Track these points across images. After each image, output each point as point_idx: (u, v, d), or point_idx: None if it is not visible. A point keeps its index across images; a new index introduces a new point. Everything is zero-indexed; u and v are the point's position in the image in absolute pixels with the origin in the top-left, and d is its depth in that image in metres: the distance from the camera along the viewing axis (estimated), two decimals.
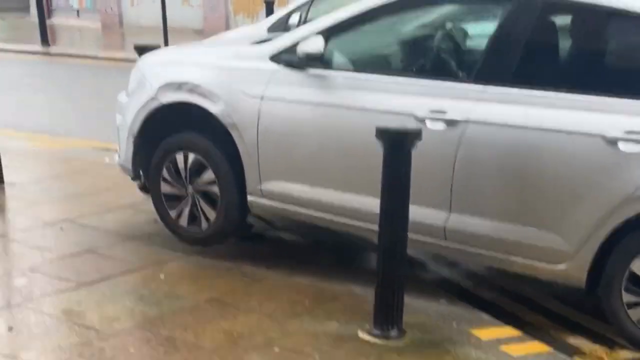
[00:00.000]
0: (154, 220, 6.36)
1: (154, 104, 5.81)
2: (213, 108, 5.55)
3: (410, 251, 5.14)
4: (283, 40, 5.46)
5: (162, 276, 5.59)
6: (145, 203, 6.76)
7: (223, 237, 5.90)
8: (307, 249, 6.37)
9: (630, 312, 4.57)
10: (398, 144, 4.43)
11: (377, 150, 4.62)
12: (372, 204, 4.85)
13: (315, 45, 5.08)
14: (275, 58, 5.43)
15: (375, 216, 4.68)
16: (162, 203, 5.99)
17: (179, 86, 5.68)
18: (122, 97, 6.28)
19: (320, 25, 5.30)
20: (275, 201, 5.55)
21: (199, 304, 5.15)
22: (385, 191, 4.47)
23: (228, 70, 5.57)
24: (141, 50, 7.61)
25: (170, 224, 6.03)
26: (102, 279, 5.49)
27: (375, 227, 4.70)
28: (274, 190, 5.51)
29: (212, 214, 5.81)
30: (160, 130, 5.94)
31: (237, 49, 5.74)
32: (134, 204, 7.04)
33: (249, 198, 5.65)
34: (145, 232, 6.39)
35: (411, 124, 4.77)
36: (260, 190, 5.53)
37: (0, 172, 7.60)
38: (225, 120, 5.51)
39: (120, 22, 25.39)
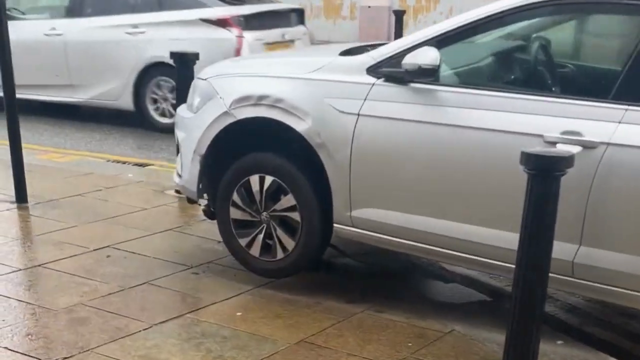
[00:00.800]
0: (213, 248, 5.95)
1: (227, 121, 5.19)
2: (298, 125, 4.93)
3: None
4: (383, 51, 4.87)
5: (239, 314, 4.94)
6: (190, 226, 6.40)
7: (300, 268, 5.33)
8: (384, 280, 5.79)
9: None
10: (548, 171, 3.84)
11: (500, 175, 4.32)
12: (497, 237, 4.49)
13: (430, 57, 4.51)
14: (374, 70, 4.85)
15: (496, 250, 4.41)
16: (230, 230, 5.36)
17: (257, 100, 5.07)
18: (183, 112, 5.65)
19: (428, 33, 4.73)
20: (368, 230, 4.96)
21: (292, 348, 4.58)
22: (528, 225, 3.88)
23: (317, 84, 4.96)
24: (179, 57, 6.98)
25: (239, 253, 5.41)
26: (173, 317, 4.84)
27: (495, 262, 4.46)
28: (367, 218, 4.93)
29: (290, 243, 5.19)
30: (232, 150, 5.30)
31: (326, 60, 5.10)
32: (177, 226, 6.53)
33: (336, 226, 5.04)
34: (201, 260, 5.83)
35: (539, 146, 4.18)
36: (350, 217, 4.93)
37: (24, 190, 6.85)
38: (312, 139, 4.90)
39: None
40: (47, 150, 9.15)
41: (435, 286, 5.76)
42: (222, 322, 4.83)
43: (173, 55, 7.35)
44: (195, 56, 7.38)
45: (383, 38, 20.76)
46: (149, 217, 6.75)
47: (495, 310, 5.29)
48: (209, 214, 5.61)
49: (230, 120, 5.18)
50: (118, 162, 8.80)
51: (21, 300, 5.04)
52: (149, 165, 8.78)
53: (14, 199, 6.96)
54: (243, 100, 5.14)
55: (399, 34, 15.89)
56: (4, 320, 4.76)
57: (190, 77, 7.18)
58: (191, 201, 5.88)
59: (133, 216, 6.74)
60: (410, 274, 5.90)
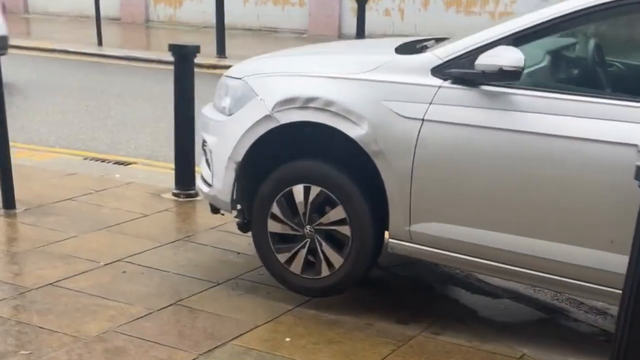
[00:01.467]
0: (234, 260, 5.50)
1: (269, 125, 4.71)
2: (351, 131, 4.47)
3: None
4: (449, 50, 4.41)
5: (287, 339, 4.50)
6: (200, 234, 5.97)
7: (347, 287, 4.87)
8: (426, 294, 5.42)
9: None
10: None
11: (589, 187, 4.05)
12: (587, 256, 4.18)
13: (514, 58, 4.09)
14: (440, 71, 4.40)
15: (584, 270, 4.16)
16: (267, 245, 4.87)
17: (304, 103, 4.57)
18: (212, 113, 5.12)
19: (504, 30, 4.29)
20: (429, 246, 4.52)
21: None
22: None
23: (374, 85, 4.50)
24: (179, 50, 6.45)
25: (277, 270, 4.93)
26: (218, 345, 4.39)
27: (586, 284, 4.19)
28: (429, 232, 4.51)
29: (337, 259, 4.74)
30: (272, 157, 4.82)
31: (383, 59, 4.62)
32: (187, 236, 6.04)
33: (391, 241, 4.57)
34: (225, 274, 5.35)
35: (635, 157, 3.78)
36: (409, 232, 4.48)
37: (11, 195, 6.24)
38: (368, 146, 4.44)
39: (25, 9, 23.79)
40: (21, 147, 8.40)
41: (484, 302, 5.35)
42: (273, 350, 4.40)
43: (172, 47, 6.76)
44: (196, 49, 6.80)
45: (334, 26, 20.34)
46: (153, 225, 6.22)
47: (558, 328, 4.97)
48: (243, 226, 5.06)
49: (272, 124, 4.68)
50: (97, 159, 8.15)
51: (42, 327, 4.45)
52: (132, 163, 8.16)
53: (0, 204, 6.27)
54: (288, 103, 4.65)
55: (361, 24, 15.47)
56: (31, 353, 4.14)
57: (190, 71, 6.63)
58: (215, 210, 5.37)
59: (136, 224, 6.18)
60: (451, 287, 5.52)
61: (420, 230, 4.51)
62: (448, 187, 4.40)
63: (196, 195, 6.82)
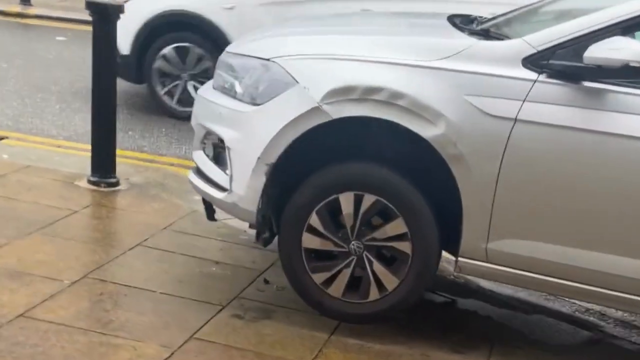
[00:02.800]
0: (220, 273, 4.64)
1: (316, 120, 3.89)
2: (425, 130, 3.74)
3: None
4: (545, 37, 3.77)
5: None
6: (158, 238, 5.04)
7: (397, 312, 4.13)
8: (473, 317, 4.81)
9: None
10: None
11: None
12: None
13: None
14: (535, 62, 3.75)
15: None
16: (300, 263, 4.02)
17: (364, 94, 3.77)
18: (218, 97, 4.22)
19: (615, 16, 3.66)
20: (507, 266, 3.86)
21: None
22: None
23: (455, 76, 3.82)
24: (96, 6, 5.40)
25: (311, 293, 4.16)
26: None
27: None
28: (509, 251, 3.89)
29: (391, 281, 4.01)
30: (310, 158, 4.00)
31: (461, 44, 3.90)
32: (144, 239, 5.07)
33: (461, 260, 3.89)
34: (225, 294, 4.48)
35: None
36: (486, 250, 3.82)
37: None
38: (444, 149, 3.75)
39: None
40: None
41: (539, 324, 4.80)
42: None
43: (90, 5, 5.63)
44: (119, 9, 5.71)
45: None
46: (92, 225, 5.28)
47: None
48: (267, 240, 4.17)
49: (321, 119, 3.85)
50: None
51: None
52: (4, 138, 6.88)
53: None
54: (342, 93, 3.84)
55: None
56: None
57: (113, 35, 5.56)
58: (211, 217, 4.42)
59: (70, 224, 5.14)
60: (480, 304, 4.96)
61: (500, 248, 3.85)
62: (540, 198, 3.78)
63: (117, 184, 5.75)
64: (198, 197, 5.48)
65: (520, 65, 3.79)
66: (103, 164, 5.84)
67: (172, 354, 3.82)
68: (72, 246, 4.81)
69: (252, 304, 4.39)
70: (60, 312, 4.05)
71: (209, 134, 4.26)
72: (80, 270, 4.50)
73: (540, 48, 3.80)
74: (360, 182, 3.96)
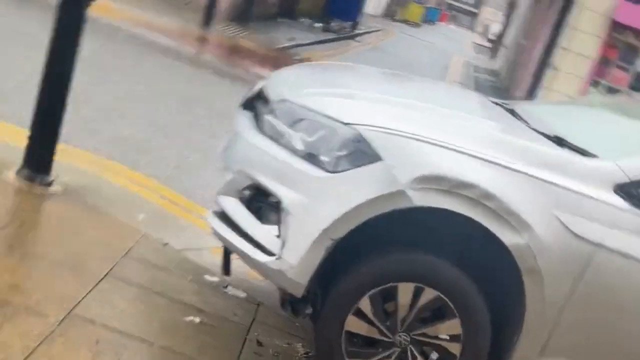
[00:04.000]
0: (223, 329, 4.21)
1: (398, 203, 3.63)
2: (508, 237, 3.59)
3: None
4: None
5: None
6: (130, 270, 4.52)
7: None
8: None
9: None
10: None
11: None
12: None
13: None
14: (627, 191, 3.70)
15: None
16: (338, 345, 3.76)
17: (453, 187, 3.55)
18: (281, 153, 3.80)
19: None
20: None
21: None
22: None
23: (546, 187, 3.69)
24: None
25: None
26: None
27: None
28: None
29: None
30: (370, 237, 3.74)
31: (553, 153, 3.78)
32: (113, 268, 4.48)
33: None
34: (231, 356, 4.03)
35: None
36: None
37: None
38: (524, 260, 3.62)
39: None
40: None
41: None
42: None
43: None
44: None
45: None
46: (43, 241, 4.58)
47: None
48: (307, 314, 3.83)
49: (402, 204, 3.58)
50: None
51: None
52: None
53: None
54: (432, 181, 3.55)
55: None
56: None
57: (79, 18, 4.97)
58: (227, 272, 4.09)
59: (21, 234, 4.47)
60: None
61: None
62: (605, 324, 3.73)
63: (51, 183, 5.11)
64: (142, 214, 5.00)
65: (612, 190, 3.68)
66: (41, 158, 5.13)
67: None
68: (36, 266, 4.14)
69: None
70: None
71: (255, 186, 3.80)
72: (60, 304, 3.89)
73: (634, 179, 3.71)
74: (425, 275, 3.71)
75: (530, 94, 15.21)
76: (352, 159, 3.64)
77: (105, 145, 6.67)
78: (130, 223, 5.08)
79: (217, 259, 4.86)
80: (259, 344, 4.22)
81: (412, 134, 3.65)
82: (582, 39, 15.21)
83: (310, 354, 4.31)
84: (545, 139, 3.97)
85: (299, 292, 3.69)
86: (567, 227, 3.60)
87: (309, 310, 3.78)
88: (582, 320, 3.69)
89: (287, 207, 3.65)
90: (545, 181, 3.64)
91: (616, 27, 15.90)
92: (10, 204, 4.78)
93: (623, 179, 3.69)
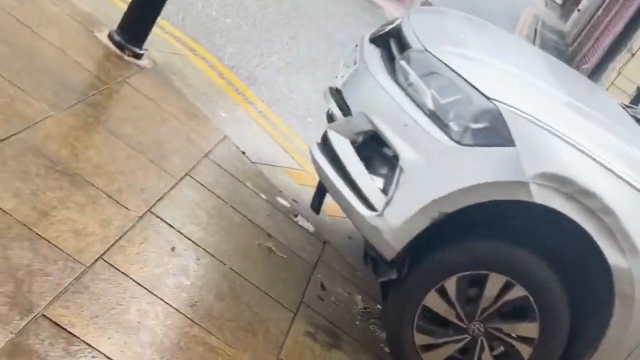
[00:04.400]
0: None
1: (518, 194, 3.45)
2: (613, 257, 3.49)
3: None
4: None
5: None
6: (239, 198, 4.35)
7: None
8: None
9: None
10: None
11: None
12: None
13: None
14: None
15: None
16: (411, 316, 3.77)
17: (575, 192, 3.42)
18: (411, 109, 3.62)
19: None
20: None
21: None
22: None
23: None
24: None
25: (404, 349, 3.81)
26: None
27: None
28: None
29: None
30: (469, 221, 3.59)
31: None
32: (231, 198, 4.33)
33: None
34: None
35: None
36: None
37: None
38: (620, 283, 3.51)
39: None
40: None
41: None
42: None
43: None
44: None
45: None
46: (134, 120, 4.37)
47: None
48: (393, 283, 3.70)
49: (522, 196, 3.42)
50: None
51: None
52: None
53: None
54: (556, 181, 3.39)
55: None
56: None
57: None
58: (317, 210, 3.93)
59: (110, 107, 4.39)
60: None
61: None
62: None
63: (141, 56, 4.92)
64: (224, 113, 4.86)
65: None
66: (137, 25, 4.91)
67: None
68: (120, 149, 3.99)
69: (319, 319, 3.94)
70: (136, 267, 3.31)
71: (373, 133, 3.62)
72: (141, 198, 3.76)
73: None
74: (521, 272, 3.55)
75: (596, 72, 14.76)
76: (484, 136, 3.48)
77: (197, 29, 6.42)
78: (213, 120, 4.88)
79: (290, 181, 4.73)
80: (323, 287, 4.11)
81: (551, 128, 3.45)
82: None
83: (368, 309, 4.19)
84: None
85: (389, 255, 3.56)
86: None
87: (394, 275, 3.62)
88: None
89: (403, 165, 3.50)
90: None
91: None
92: (100, 67, 4.57)
93: None
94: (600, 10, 20.39)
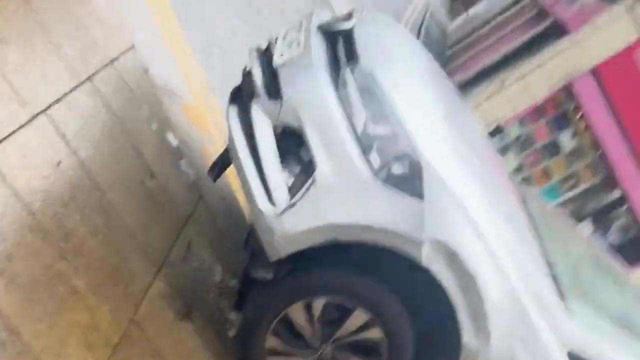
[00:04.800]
0: None
1: (407, 249, 3.40)
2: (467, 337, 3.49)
3: None
4: None
5: None
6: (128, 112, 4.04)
7: None
8: None
9: None
10: None
11: None
12: None
13: None
14: None
15: None
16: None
17: (455, 266, 3.45)
18: (342, 124, 3.49)
19: None
20: None
21: None
22: None
23: None
24: None
25: None
26: None
27: None
28: None
29: None
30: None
31: None
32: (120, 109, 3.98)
33: None
34: None
35: None
36: None
37: None
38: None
39: None
40: None
41: None
42: None
43: None
44: None
45: None
46: None
47: None
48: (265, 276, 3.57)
49: (410, 252, 3.40)
50: None
51: None
52: None
53: None
54: (447, 253, 3.44)
55: None
56: None
57: None
58: (214, 177, 3.78)
59: None
60: None
61: None
62: None
63: None
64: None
65: None
66: None
67: None
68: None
69: (178, 282, 3.74)
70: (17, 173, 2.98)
71: (299, 133, 3.44)
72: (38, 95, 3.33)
73: None
74: (386, 317, 3.60)
75: (464, 89, 14.88)
76: (401, 181, 3.40)
77: None
78: (123, 28, 4.49)
79: (185, 117, 4.44)
80: (189, 247, 3.87)
81: (468, 210, 3.43)
82: None
83: (224, 283, 4.01)
84: None
85: (273, 257, 3.42)
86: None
87: (269, 276, 3.46)
88: None
89: (317, 177, 3.37)
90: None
91: None
92: None
93: None
94: (486, 28, 20.32)
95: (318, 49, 3.66)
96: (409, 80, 3.70)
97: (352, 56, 3.63)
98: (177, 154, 4.25)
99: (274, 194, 3.39)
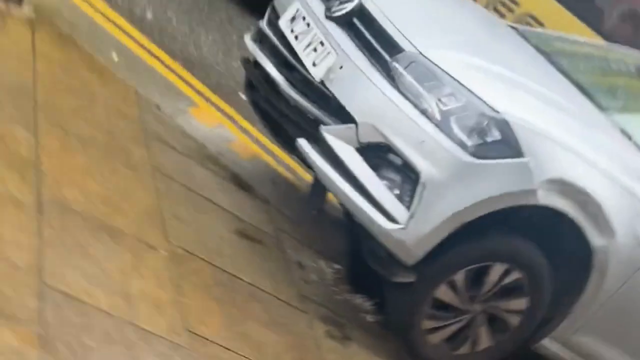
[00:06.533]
0: None
1: (524, 200, 3.71)
2: (597, 241, 3.93)
3: None
4: None
5: None
6: (188, 174, 4.18)
7: None
8: None
9: None
10: None
11: None
12: None
13: None
14: None
15: None
16: (422, 308, 3.99)
17: (572, 192, 3.80)
18: (423, 122, 3.65)
19: None
20: (572, 353, 4.33)
21: None
22: None
23: (635, 199, 3.97)
24: None
25: (413, 334, 4.05)
26: None
27: None
28: (581, 346, 4.30)
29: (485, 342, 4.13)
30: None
31: None
32: (180, 176, 4.14)
33: (544, 341, 4.29)
34: None
35: None
36: (568, 339, 4.26)
37: None
38: (598, 257, 3.95)
39: None
40: None
41: None
42: None
43: None
44: None
45: None
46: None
47: None
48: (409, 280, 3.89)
49: (530, 201, 3.71)
50: None
51: None
52: None
53: None
54: (560, 185, 3.75)
55: None
56: None
57: None
58: (311, 211, 4.14)
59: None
60: None
61: (578, 340, 4.27)
62: (631, 315, 4.22)
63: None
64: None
65: None
66: None
67: None
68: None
69: (323, 311, 4.00)
70: None
71: (388, 148, 3.69)
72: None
73: None
74: (519, 259, 3.91)
75: None
76: (499, 150, 3.63)
77: None
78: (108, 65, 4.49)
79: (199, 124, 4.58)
80: (301, 266, 4.14)
81: (558, 140, 3.74)
82: None
83: (337, 275, 4.27)
84: None
85: (410, 262, 3.70)
86: (637, 236, 3.94)
87: (413, 278, 3.80)
88: (617, 309, 4.10)
89: (425, 181, 3.56)
90: (635, 195, 3.93)
91: None
92: None
93: None
94: None
95: (350, 47, 3.80)
96: (454, 46, 3.92)
97: (391, 46, 3.75)
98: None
99: (391, 212, 3.61)
